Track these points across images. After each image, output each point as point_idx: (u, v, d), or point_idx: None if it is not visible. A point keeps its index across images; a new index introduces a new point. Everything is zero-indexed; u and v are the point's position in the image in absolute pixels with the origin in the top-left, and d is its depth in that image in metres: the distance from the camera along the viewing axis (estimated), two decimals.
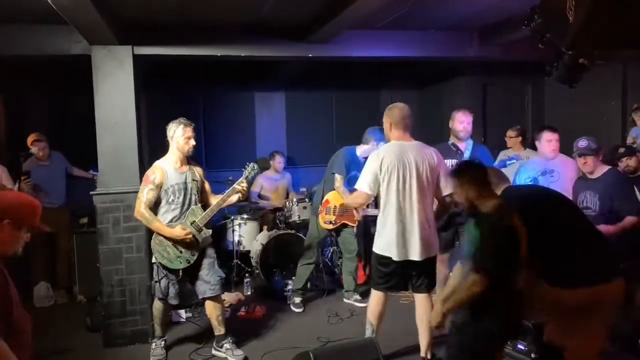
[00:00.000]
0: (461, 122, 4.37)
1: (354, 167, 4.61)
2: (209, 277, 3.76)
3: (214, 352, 3.92)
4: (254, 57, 4.64)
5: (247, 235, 5.70)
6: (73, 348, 4.12)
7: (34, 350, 2.06)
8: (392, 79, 7.17)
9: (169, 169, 3.69)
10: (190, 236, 3.63)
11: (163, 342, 3.96)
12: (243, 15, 4.09)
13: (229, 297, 5.00)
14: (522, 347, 3.37)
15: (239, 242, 5.62)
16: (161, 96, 6.25)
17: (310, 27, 4.30)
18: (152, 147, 5.37)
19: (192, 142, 3.71)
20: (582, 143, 3.60)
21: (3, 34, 4.03)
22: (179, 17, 4.11)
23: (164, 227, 3.62)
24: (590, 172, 3.64)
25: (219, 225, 5.81)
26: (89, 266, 4.78)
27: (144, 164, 4.35)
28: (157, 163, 3.73)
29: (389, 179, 3.34)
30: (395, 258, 3.38)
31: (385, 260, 3.43)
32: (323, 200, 4.82)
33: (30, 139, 5.21)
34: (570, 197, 3.97)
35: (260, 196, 6.21)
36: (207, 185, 3.93)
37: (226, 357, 3.84)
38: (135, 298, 4.17)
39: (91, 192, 4.14)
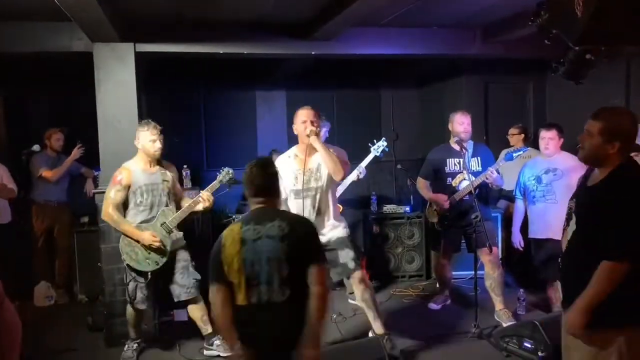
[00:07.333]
0: (461, 123, 4.32)
1: None
2: (184, 281, 3.72)
3: (205, 352, 3.85)
4: (256, 55, 4.61)
5: None
6: (74, 347, 4.09)
7: (24, 350, 1.96)
8: (392, 78, 7.14)
9: (136, 170, 3.66)
10: (158, 244, 3.57)
11: (136, 345, 3.89)
12: (246, 12, 4.07)
13: None
14: (529, 346, 3.35)
15: None
16: (162, 94, 6.20)
17: (313, 24, 4.27)
18: None
19: (158, 144, 3.65)
20: None
21: (4, 31, 4.00)
22: (181, 15, 4.08)
23: (132, 230, 3.58)
24: None
25: (220, 225, 5.77)
26: (90, 265, 4.75)
27: None
28: (124, 164, 3.70)
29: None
30: None
31: None
32: None
33: (50, 132, 5.23)
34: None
35: None
36: (178, 188, 3.93)
37: (218, 355, 3.77)
38: None
39: (93, 191, 4.12)
